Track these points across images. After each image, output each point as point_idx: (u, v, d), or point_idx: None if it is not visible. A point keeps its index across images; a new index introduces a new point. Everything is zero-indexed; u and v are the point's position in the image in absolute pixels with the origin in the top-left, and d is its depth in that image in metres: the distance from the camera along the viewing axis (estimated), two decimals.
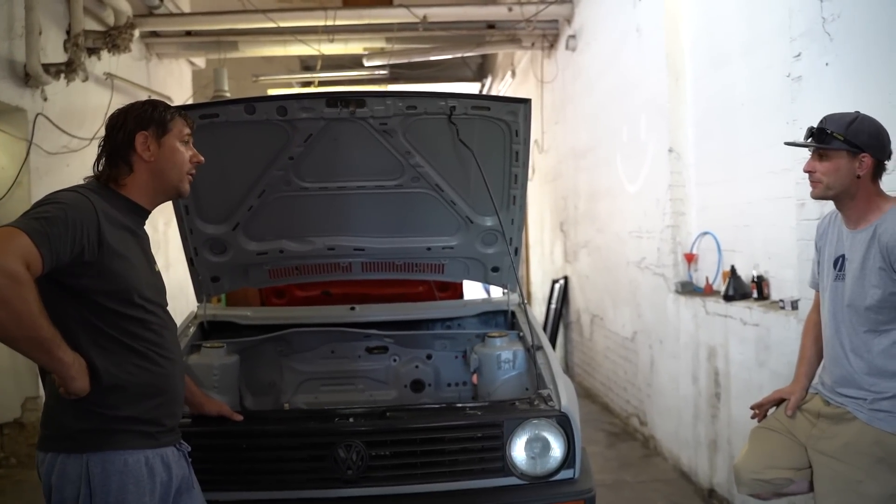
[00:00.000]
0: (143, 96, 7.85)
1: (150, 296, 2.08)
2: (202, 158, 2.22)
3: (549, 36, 8.47)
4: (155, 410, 2.05)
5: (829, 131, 2.39)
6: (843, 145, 2.36)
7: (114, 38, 6.80)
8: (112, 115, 2.16)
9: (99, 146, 2.15)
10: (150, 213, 2.19)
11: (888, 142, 2.41)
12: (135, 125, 2.09)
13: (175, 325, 2.26)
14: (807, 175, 2.49)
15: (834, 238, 2.54)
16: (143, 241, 2.16)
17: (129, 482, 1.96)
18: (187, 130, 2.18)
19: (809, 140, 2.44)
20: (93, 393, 1.94)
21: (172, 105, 2.23)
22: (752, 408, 2.80)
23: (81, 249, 1.90)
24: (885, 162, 2.43)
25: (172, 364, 2.13)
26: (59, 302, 1.93)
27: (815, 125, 2.45)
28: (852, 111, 2.46)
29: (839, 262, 2.48)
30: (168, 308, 2.21)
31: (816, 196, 2.49)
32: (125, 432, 1.98)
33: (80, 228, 1.90)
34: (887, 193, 2.47)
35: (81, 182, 2.13)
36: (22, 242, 1.79)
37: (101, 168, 2.13)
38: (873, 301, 2.33)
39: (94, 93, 6.77)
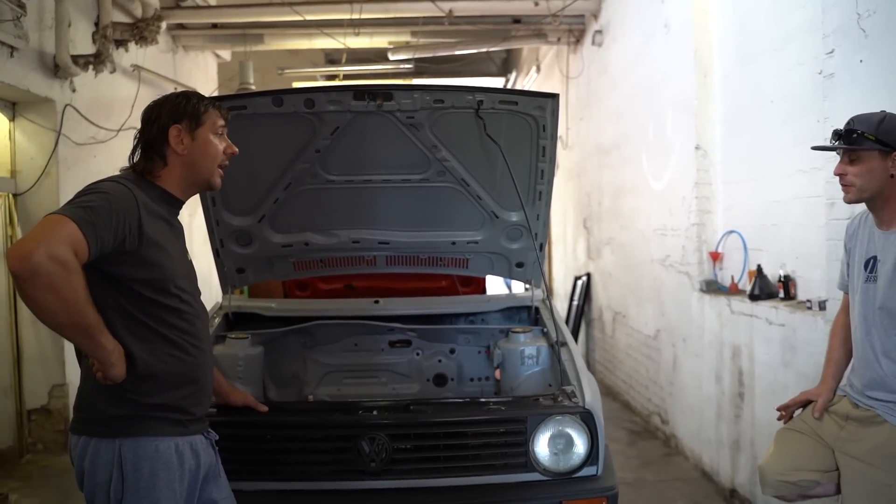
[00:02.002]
0: (170, 88, 7.91)
1: (185, 286, 2.11)
2: (236, 150, 2.23)
3: (575, 31, 8.42)
4: (186, 399, 2.09)
5: (859, 132, 2.35)
6: (875, 145, 2.33)
7: (141, 31, 6.87)
8: (147, 108, 2.17)
9: (134, 138, 2.17)
10: (183, 203, 2.21)
11: None
12: (168, 118, 2.11)
13: (207, 314, 2.29)
14: (836, 174, 2.46)
15: (865, 239, 2.50)
16: (178, 232, 2.19)
17: (159, 468, 1.99)
18: (221, 122, 2.19)
19: (838, 142, 2.41)
20: (128, 380, 1.97)
21: (206, 96, 2.23)
22: (778, 409, 2.78)
23: (123, 239, 1.94)
24: None
25: (204, 354, 2.16)
26: (98, 289, 1.96)
27: (842, 127, 2.41)
28: (878, 111, 2.42)
29: (870, 264, 2.44)
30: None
31: (850, 200, 2.45)
32: (157, 419, 2.02)
33: (123, 218, 1.93)
34: None
35: (117, 172, 2.15)
36: (70, 229, 1.83)
37: (136, 160, 2.15)
38: None
39: (122, 84, 6.84)
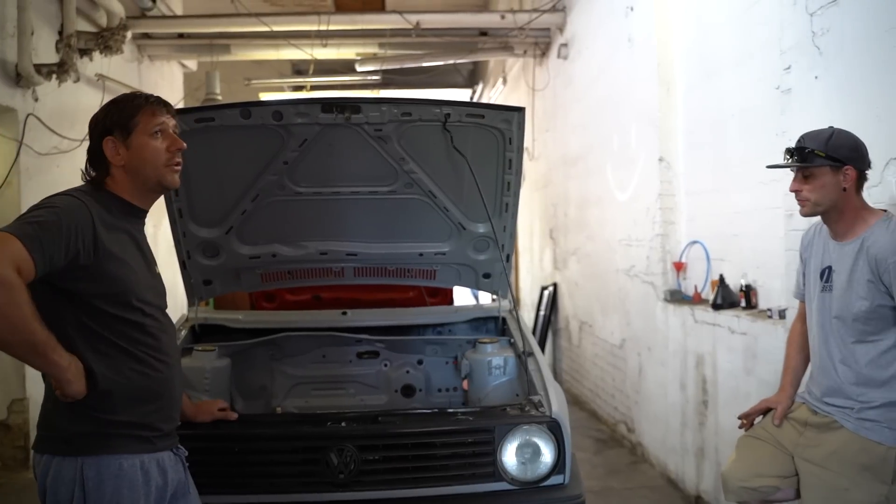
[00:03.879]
0: None
1: (149, 298, 2.07)
2: (183, 144, 2.14)
3: (541, 44, 8.52)
4: (152, 415, 2.05)
5: (809, 149, 2.44)
6: (825, 161, 2.42)
7: (106, 40, 6.78)
8: (90, 120, 2.13)
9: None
10: (146, 212, 2.17)
11: (867, 152, 2.48)
12: (102, 130, 2.08)
13: (174, 328, 2.24)
14: (791, 190, 2.55)
15: (820, 250, 2.58)
16: (140, 243, 2.14)
17: (123, 486, 1.96)
18: (158, 120, 2.09)
19: (792, 160, 2.49)
20: (89, 397, 1.93)
21: (140, 96, 2.14)
22: (739, 417, 2.85)
23: (76, 253, 1.90)
24: (867, 172, 2.49)
25: (169, 368, 2.11)
26: (56, 306, 1.93)
27: (793, 145, 2.50)
28: (827, 127, 2.51)
29: (826, 274, 2.52)
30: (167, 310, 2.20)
31: (806, 214, 2.54)
32: (121, 437, 1.98)
33: (74, 232, 1.89)
34: (872, 206, 2.52)
35: (78, 184, 2.12)
36: (13, 247, 1.79)
37: (90, 172, 2.12)
38: (861, 312, 2.37)
39: (86, 94, 6.74)
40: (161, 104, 2.13)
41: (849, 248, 2.44)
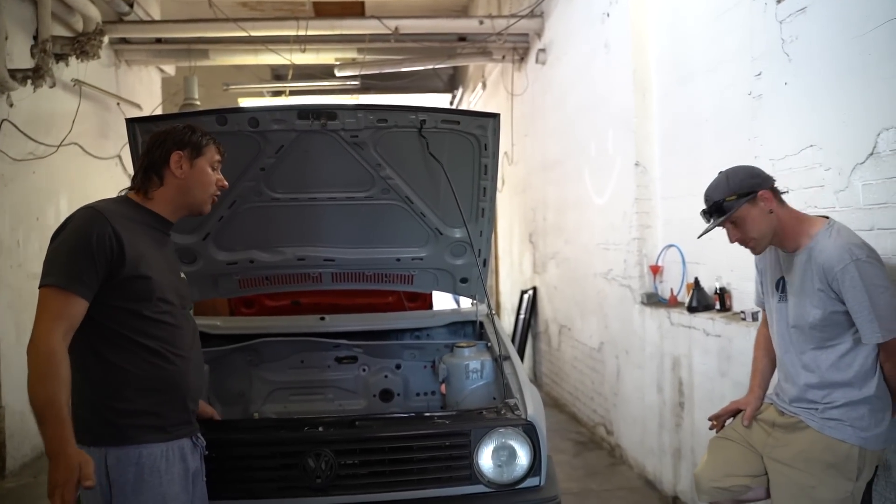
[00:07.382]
0: (112, 103, 7.81)
1: (169, 297, 2.24)
2: (227, 184, 2.43)
3: (520, 49, 8.57)
4: (166, 405, 2.20)
5: (720, 200, 2.53)
6: (738, 201, 2.49)
7: (82, 45, 6.76)
8: (154, 133, 2.37)
9: (134, 162, 2.38)
10: (172, 224, 2.37)
11: (763, 171, 2.59)
12: (173, 144, 2.31)
13: (195, 325, 2.39)
14: (732, 242, 2.62)
15: (774, 261, 2.66)
16: (162, 245, 2.34)
17: (143, 471, 2.12)
18: (218, 157, 2.38)
19: (713, 218, 2.57)
20: (107, 388, 2.11)
21: (209, 133, 2.40)
22: (709, 419, 2.90)
23: (108, 267, 2.10)
24: (777, 186, 2.56)
25: (186, 362, 2.27)
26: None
27: (706, 208, 2.59)
28: (718, 174, 2.61)
29: (780, 285, 2.60)
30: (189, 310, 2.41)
31: (760, 251, 2.62)
32: (139, 427, 2.13)
33: (101, 249, 2.09)
34: (807, 214, 2.60)
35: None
36: (58, 303, 2.03)
37: (137, 181, 2.33)
38: (816, 320, 2.45)
39: (62, 99, 6.71)
40: (222, 148, 2.42)
41: (798, 259, 2.51)
